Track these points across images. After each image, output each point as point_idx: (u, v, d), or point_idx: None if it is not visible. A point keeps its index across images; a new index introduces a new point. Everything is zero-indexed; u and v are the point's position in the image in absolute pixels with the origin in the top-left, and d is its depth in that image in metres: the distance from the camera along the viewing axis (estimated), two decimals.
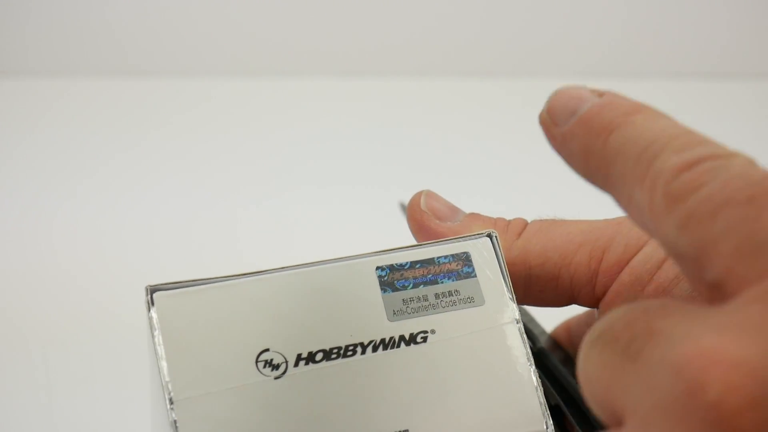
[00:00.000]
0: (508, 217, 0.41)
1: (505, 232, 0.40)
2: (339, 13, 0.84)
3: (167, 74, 0.83)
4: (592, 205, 0.69)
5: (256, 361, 0.34)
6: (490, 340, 0.36)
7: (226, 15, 0.84)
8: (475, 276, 0.37)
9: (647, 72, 0.86)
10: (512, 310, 0.37)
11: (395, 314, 0.36)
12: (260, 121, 0.79)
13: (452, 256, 0.37)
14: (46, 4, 0.82)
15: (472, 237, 0.37)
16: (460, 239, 0.37)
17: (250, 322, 0.34)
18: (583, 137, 0.31)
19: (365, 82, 0.83)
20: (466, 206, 0.42)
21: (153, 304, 0.34)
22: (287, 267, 0.36)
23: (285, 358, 0.34)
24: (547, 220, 0.41)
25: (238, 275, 0.35)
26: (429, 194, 0.41)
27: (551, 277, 0.40)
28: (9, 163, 0.73)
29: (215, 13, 0.84)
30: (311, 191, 0.71)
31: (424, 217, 0.40)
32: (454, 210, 0.41)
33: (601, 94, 0.32)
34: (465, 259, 0.37)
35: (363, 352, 0.35)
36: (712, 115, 0.81)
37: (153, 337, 0.34)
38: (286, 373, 0.34)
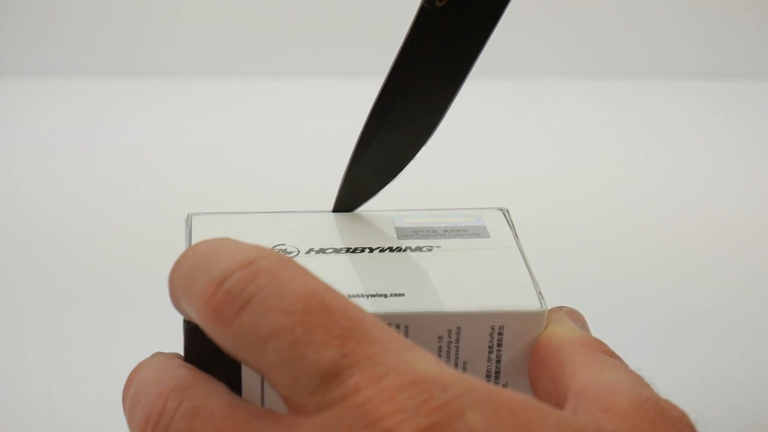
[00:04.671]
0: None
1: None
2: (338, 12, 0.84)
3: (167, 74, 0.83)
4: (592, 204, 0.69)
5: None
6: (491, 254, 0.39)
7: (225, 15, 0.84)
8: (485, 225, 0.41)
9: (647, 72, 0.86)
10: (516, 242, 0.40)
11: (405, 236, 0.40)
12: (260, 121, 0.79)
13: (465, 217, 0.41)
14: (46, 4, 0.82)
15: (485, 208, 0.42)
16: (473, 208, 0.42)
17: (270, 233, 0.39)
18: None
19: (365, 82, 0.83)
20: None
21: (191, 222, 0.40)
22: (311, 211, 0.42)
23: (297, 249, 0.39)
24: None
25: (265, 211, 0.41)
26: None
27: None
28: (8, 163, 0.73)
29: (215, 13, 0.84)
30: (311, 192, 0.71)
31: None
32: None
33: None
34: (476, 216, 0.41)
35: (370, 252, 0.39)
36: (712, 115, 0.81)
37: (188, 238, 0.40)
38: (296, 257, 0.38)
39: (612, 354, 0.35)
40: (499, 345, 0.36)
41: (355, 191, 0.42)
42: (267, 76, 0.83)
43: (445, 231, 0.40)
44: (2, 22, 0.82)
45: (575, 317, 0.37)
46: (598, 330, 0.38)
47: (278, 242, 0.39)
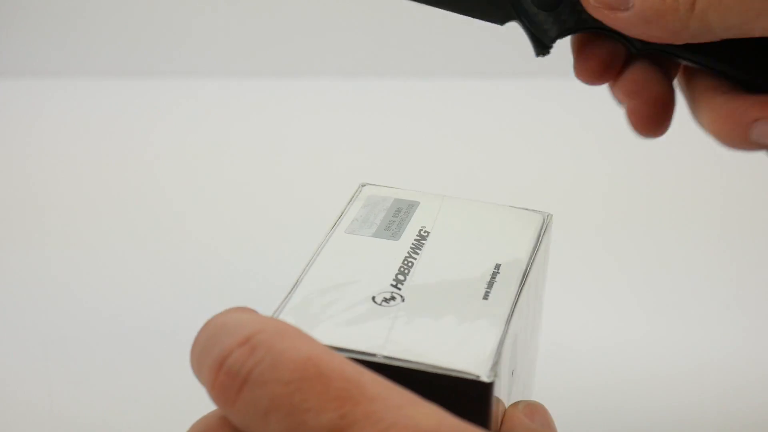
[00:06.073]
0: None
1: (676, 11, 0.40)
2: (337, 13, 0.84)
3: (168, 75, 0.83)
4: (595, 203, 0.69)
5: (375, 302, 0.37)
6: (471, 215, 0.41)
7: (225, 15, 0.84)
8: (394, 197, 0.42)
9: None
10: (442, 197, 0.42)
11: (394, 236, 0.40)
12: (261, 122, 0.80)
13: (370, 204, 0.42)
14: (46, 4, 0.82)
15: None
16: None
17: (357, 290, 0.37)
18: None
19: (365, 82, 0.83)
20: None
21: None
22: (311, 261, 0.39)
23: (401, 296, 0.37)
24: None
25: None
26: None
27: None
28: (8, 164, 0.73)
29: (215, 14, 0.84)
30: (311, 192, 0.71)
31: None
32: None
33: None
34: (372, 199, 0.42)
35: (415, 255, 0.39)
36: None
37: None
38: (402, 289, 0.37)
39: None
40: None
41: None
42: (267, 76, 0.83)
43: (394, 213, 0.41)
44: (3, 24, 0.83)
45: (533, 412, 0.37)
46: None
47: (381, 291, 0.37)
